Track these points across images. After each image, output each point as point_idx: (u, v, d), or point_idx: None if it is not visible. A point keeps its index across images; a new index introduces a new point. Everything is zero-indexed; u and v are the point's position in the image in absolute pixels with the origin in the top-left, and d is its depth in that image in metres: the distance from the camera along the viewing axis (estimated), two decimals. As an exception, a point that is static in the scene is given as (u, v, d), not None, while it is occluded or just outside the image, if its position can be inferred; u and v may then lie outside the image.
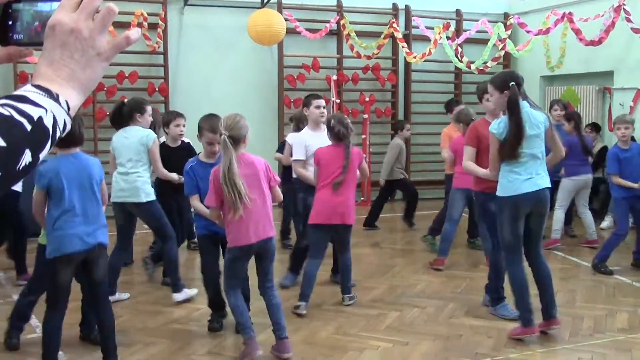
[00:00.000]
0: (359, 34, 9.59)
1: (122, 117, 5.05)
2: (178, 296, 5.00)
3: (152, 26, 8.58)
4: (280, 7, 9.19)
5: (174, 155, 5.37)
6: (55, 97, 0.85)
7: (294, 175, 5.56)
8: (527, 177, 4.15)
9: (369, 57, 9.57)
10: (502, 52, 9.10)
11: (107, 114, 8.46)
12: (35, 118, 0.82)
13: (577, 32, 8.30)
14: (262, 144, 9.44)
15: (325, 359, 3.99)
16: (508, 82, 4.16)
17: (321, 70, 9.62)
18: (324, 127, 5.25)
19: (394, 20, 9.75)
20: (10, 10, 0.94)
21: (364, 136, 9.79)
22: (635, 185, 5.86)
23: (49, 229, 3.62)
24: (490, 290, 4.86)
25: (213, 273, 4.41)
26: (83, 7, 0.89)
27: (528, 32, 8.83)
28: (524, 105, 4.16)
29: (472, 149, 4.63)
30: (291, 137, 6.33)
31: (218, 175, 3.75)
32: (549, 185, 4.24)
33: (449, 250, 6.15)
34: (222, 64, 9.33)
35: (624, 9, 8.10)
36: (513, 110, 4.11)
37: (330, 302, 5.10)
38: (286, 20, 8.58)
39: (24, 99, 0.83)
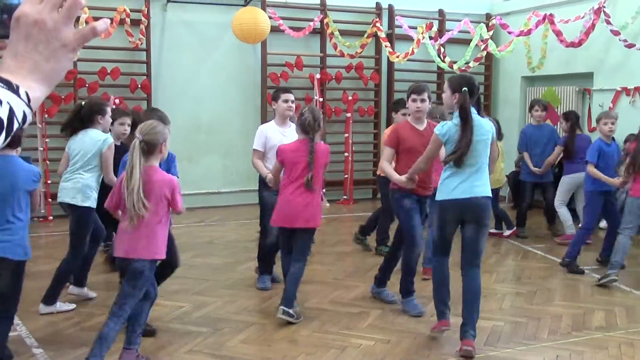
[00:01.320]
0: (343, 33, 9.62)
1: (82, 119, 4.83)
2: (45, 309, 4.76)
3: (135, 22, 8.53)
4: (264, 5, 9.18)
5: (117, 154, 4.99)
6: (14, 89, 0.85)
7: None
8: (460, 182, 4.06)
9: (352, 56, 9.60)
10: (484, 53, 9.19)
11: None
12: None
13: (558, 33, 8.40)
14: (244, 142, 9.44)
15: (308, 357, 4.00)
16: (462, 86, 4.07)
17: (304, 69, 9.62)
18: (291, 124, 5.20)
19: (378, 19, 9.79)
20: None
21: (346, 135, 9.83)
22: (616, 182, 5.87)
23: None
24: (402, 284, 4.93)
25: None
26: None
27: (510, 33, 8.91)
28: (471, 112, 4.07)
29: (391, 150, 4.69)
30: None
31: (122, 179, 3.59)
32: (487, 194, 4.11)
33: None
34: (205, 61, 9.30)
35: (603, 11, 8.21)
36: (463, 116, 4.04)
37: (313, 300, 5.11)
38: (270, 18, 8.58)
39: None
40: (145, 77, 8.86)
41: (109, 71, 8.52)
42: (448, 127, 4.10)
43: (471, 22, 9.47)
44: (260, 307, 4.96)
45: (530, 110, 7.80)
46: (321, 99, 9.60)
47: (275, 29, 8.90)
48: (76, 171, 4.77)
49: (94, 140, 4.78)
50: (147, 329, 4.18)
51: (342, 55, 9.55)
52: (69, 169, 4.83)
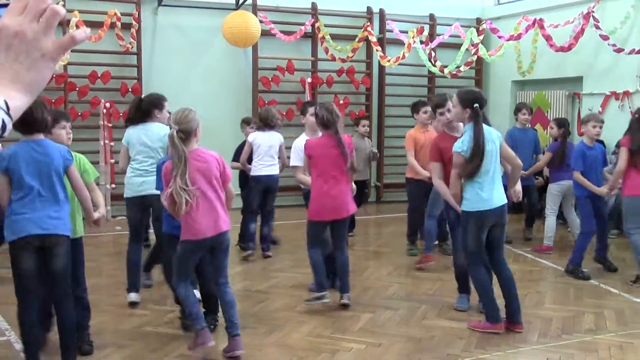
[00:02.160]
0: (334, 37, 9.64)
1: (141, 113, 5.01)
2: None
3: (126, 26, 8.52)
4: (255, 9, 9.19)
5: None
6: None
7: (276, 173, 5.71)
8: (489, 192, 4.39)
9: (343, 60, 9.62)
10: (475, 57, 9.24)
11: (80, 114, 8.40)
12: None
13: (548, 38, 8.46)
14: (236, 146, 9.42)
15: (299, 360, 4.00)
16: (473, 102, 4.35)
17: (296, 73, 9.64)
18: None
19: (369, 23, 9.82)
20: None
21: (338, 139, 9.83)
22: (602, 191, 5.89)
23: (8, 213, 3.54)
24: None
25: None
26: (28, 10, 0.91)
27: (500, 37, 8.96)
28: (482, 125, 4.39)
29: (438, 164, 4.80)
30: (252, 137, 6.43)
31: (168, 170, 3.76)
32: (506, 200, 4.53)
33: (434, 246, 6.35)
34: (196, 65, 9.30)
35: (593, 16, 8.28)
36: (478, 131, 4.33)
37: (304, 304, 5.11)
38: (261, 22, 8.59)
39: None
40: (136, 80, 8.84)
41: (99, 75, 8.50)
42: (467, 143, 4.34)
43: (462, 26, 9.53)
44: (252, 312, 4.96)
45: (516, 114, 7.71)
46: (330, 103, 9.60)
47: (266, 33, 8.91)
48: (146, 167, 4.93)
49: (157, 134, 4.96)
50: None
51: (334, 59, 9.57)
52: (134, 165, 4.93)
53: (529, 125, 7.82)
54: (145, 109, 4.98)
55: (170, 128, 3.75)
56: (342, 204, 4.86)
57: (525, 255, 6.89)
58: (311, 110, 5.46)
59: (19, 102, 0.91)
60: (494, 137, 4.43)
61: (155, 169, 4.71)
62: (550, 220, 6.91)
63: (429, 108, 6.36)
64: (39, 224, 3.49)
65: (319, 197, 4.85)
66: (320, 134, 5.23)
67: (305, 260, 6.35)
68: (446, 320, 4.77)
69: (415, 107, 6.71)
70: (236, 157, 6.91)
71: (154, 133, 4.95)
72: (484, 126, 4.39)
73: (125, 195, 5.07)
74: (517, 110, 7.71)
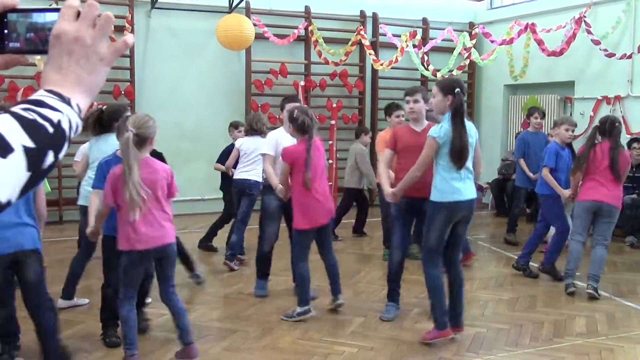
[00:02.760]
0: (327, 41, 9.65)
1: (102, 125, 4.91)
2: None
3: (119, 29, 8.49)
4: (248, 12, 9.19)
5: None
6: (67, 101, 0.91)
7: (253, 179, 5.55)
8: (463, 185, 4.22)
9: (336, 64, 9.64)
10: (467, 61, 9.27)
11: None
12: (56, 121, 0.88)
13: (540, 42, 8.50)
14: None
15: (290, 364, 4.00)
16: (454, 88, 4.17)
17: (289, 76, 9.64)
18: None
19: (362, 27, 9.84)
20: (5, 20, 0.99)
21: (330, 142, 9.83)
22: (565, 194, 5.93)
23: None
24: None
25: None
26: (84, 16, 0.96)
27: (492, 41, 9.00)
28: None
29: (389, 152, 4.75)
30: (239, 142, 6.43)
31: (117, 174, 3.66)
32: (476, 196, 4.39)
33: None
34: (189, 68, 9.29)
35: (584, 20, 8.33)
36: (460, 117, 4.16)
37: (296, 307, 5.10)
38: (254, 25, 8.59)
39: (42, 104, 0.88)
40: (129, 83, 8.82)
41: (92, 77, 8.47)
42: (445, 129, 4.16)
43: (454, 30, 9.56)
44: (244, 315, 4.95)
45: (528, 117, 7.69)
46: (305, 106, 9.61)
47: (259, 36, 8.91)
48: None
49: (116, 146, 4.80)
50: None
51: (327, 62, 9.58)
52: (90, 174, 4.87)
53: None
54: (107, 119, 4.80)
55: (127, 131, 3.60)
56: (329, 207, 4.85)
57: (515, 258, 6.90)
58: (288, 106, 5.28)
59: (83, 106, 0.95)
60: (472, 132, 4.28)
61: None
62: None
63: (402, 112, 6.32)
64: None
65: (306, 204, 4.74)
66: None
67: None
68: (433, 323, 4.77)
69: (389, 111, 6.70)
70: (221, 159, 6.90)
71: (115, 145, 4.84)
72: (465, 120, 4.24)
73: (78, 203, 5.01)
74: (530, 114, 7.68)
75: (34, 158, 0.84)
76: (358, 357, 4.14)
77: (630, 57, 8.17)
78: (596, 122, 6.10)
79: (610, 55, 8.27)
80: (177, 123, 9.19)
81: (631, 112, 8.49)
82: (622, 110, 8.40)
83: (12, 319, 3.82)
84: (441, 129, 4.17)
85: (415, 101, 4.79)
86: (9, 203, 0.82)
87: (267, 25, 9.27)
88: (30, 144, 0.83)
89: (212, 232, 7.06)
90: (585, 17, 8.38)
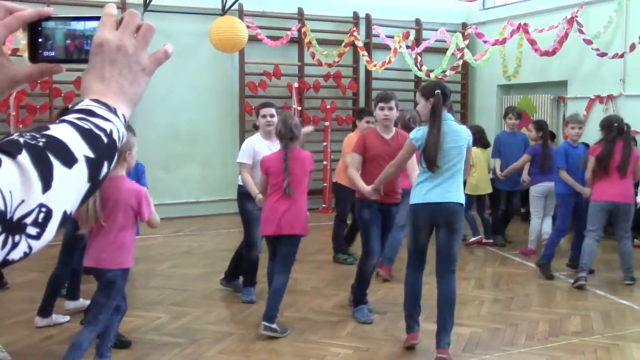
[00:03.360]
0: (320, 42, 9.65)
1: None
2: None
3: (111, 32, 8.48)
4: (241, 14, 9.19)
5: None
6: (114, 111, 0.89)
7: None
8: (433, 187, 4.05)
9: (330, 65, 9.64)
10: (461, 62, 9.29)
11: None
12: (109, 131, 0.86)
13: (532, 42, 8.52)
14: (223, 151, 9.43)
15: (286, 366, 3.99)
16: (434, 90, 4.10)
17: (282, 78, 9.64)
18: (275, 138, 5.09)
19: (355, 28, 9.84)
20: (40, 28, 0.97)
21: (325, 143, 9.84)
22: (586, 192, 6.02)
23: None
24: (354, 294, 5.02)
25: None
26: (125, 25, 0.94)
27: (485, 42, 9.03)
28: (447, 117, 4.10)
29: (359, 157, 4.73)
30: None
31: None
32: (459, 201, 4.09)
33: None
34: (182, 70, 9.26)
35: (576, 20, 8.36)
36: (435, 118, 4.04)
37: (292, 309, 5.10)
38: (247, 27, 8.59)
39: (93, 114, 0.86)
40: (122, 86, 8.79)
41: (85, 81, 8.44)
42: (423, 131, 4.09)
43: (447, 31, 9.58)
44: (239, 318, 4.93)
45: (504, 118, 7.86)
46: (299, 108, 9.61)
47: (253, 38, 8.91)
48: None
49: None
50: (121, 340, 4.14)
51: (320, 64, 9.58)
52: None
53: (523, 129, 7.86)
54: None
55: None
56: (289, 220, 4.50)
57: (512, 259, 6.92)
58: (262, 112, 5.23)
59: (127, 116, 0.93)
60: (461, 135, 4.11)
61: None
62: (535, 223, 6.96)
63: (372, 119, 6.19)
64: None
65: (265, 209, 4.58)
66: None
67: (294, 265, 6.34)
68: (434, 324, 4.73)
69: (360, 115, 6.69)
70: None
71: None
72: (451, 123, 4.11)
73: None
74: (505, 114, 7.85)
75: (93, 169, 0.82)
76: (353, 358, 4.13)
77: (622, 56, 8.20)
78: (590, 122, 6.18)
79: (603, 54, 8.30)
80: (171, 125, 9.17)
81: (624, 111, 8.50)
82: (614, 110, 8.43)
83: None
84: (419, 131, 4.12)
85: (390, 108, 4.75)
86: (71, 214, 0.80)
87: (260, 27, 9.27)
88: (90, 154, 0.81)
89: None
90: (577, 16, 8.41)
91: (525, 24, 8.67)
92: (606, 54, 8.28)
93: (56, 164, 0.77)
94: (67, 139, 0.80)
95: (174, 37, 9.20)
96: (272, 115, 5.18)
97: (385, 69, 9.47)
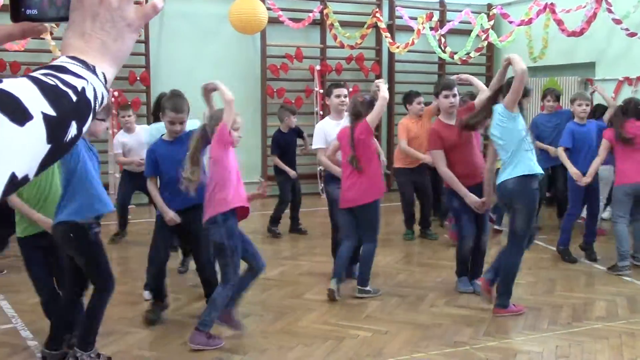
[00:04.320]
0: (343, 24, 9.55)
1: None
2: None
3: (133, 14, 8.48)
4: (263, -4, 9.11)
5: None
6: (92, 69, 0.82)
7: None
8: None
9: (352, 47, 9.54)
10: (485, 43, 9.13)
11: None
12: (80, 89, 0.78)
13: (559, 22, 8.33)
14: (245, 134, 9.33)
15: (304, 347, 3.97)
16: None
17: (304, 60, 9.57)
18: (346, 115, 5.26)
19: (378, 10, 9.72)
20: None
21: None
22: (581, 181, 5.78)
23: None
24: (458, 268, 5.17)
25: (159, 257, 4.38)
26: None
27: (510, 22, 8.84)
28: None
29: (441, 152, 4.83)
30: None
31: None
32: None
33: None
34: (204, 53, 9.25)
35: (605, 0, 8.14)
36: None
37: (312, 291, 5.08)
38: (269, 9, 8.52)
39: (64, 70, 0.79)
40: (144, 69, 8.82)
41: (107, 63, 8.47)
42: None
43: (472, 12, 9.40)
44: (259, 299, 4.93)
45: (542, 100, 7.48)
46: (321, 91, 9.54)
47: (274, 20, 8.84)
48: None
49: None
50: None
51: (342, 46, 9.49)
52: None
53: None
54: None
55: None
56: (355, 191, 4.87)
57: (537, 243, 6.79)
58: (335, 92, 5.41)
59: (109, 75, 0.86)
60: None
61: None
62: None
63: (422, 99, 6.65)
64: None
65: (343, 186, 4.85)
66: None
67: (315, 248, 6.34)
68: (454, 308, 4.72)
69: (409, 98, 6.76)
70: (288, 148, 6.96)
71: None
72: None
73: None
74: (543, 96, 7.44)
75: (55, 128, 0.73)
76: (372, 340, 4.10)
77: (653, 36, 7.98)
78: (619, 103, 5.98)
79: (632, 34, 8.08)
80: (192, 108, 9.14)
81: (654, 93, 8.30)
82: (644, 91, 8.22)
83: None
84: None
85: (454, 95, 4.96)
86: (26, 178, 0.71)
87: (282, 9, 9.19)
88: (51, 112, 0.72)
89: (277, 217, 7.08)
90: (606, -5, 8.19)
91: (551, 4, 8.46)
92: (636, 34, 8.05)
93: (2, 120, 0.68)
94: (20, 94, 0.71)
95: (195, 19, 9.19)
96: (345, 96, 5.42)
97: (408, 51, 9.34)
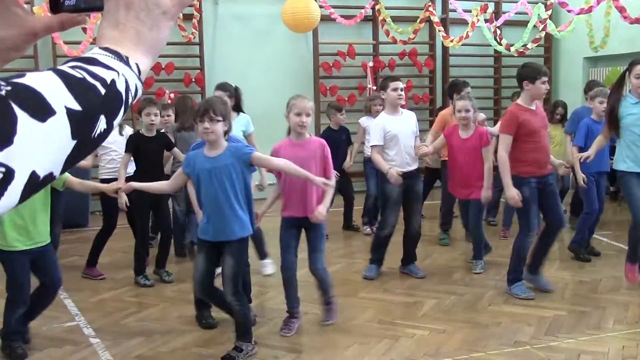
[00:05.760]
0: (395, 19, 9.45)
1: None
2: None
3: (187, 17, 8.61)
4: (314, -6, 9.11)
5: (150, 145, 5.34)
6: (125, 60, 0.79)
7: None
8: None
9: (405, 43, 9.42)
10: (543, 34, 8.85)
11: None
12: (109, 81, 0.74)
13: (622, 10, 8.00)
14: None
15: (360, 346, 3.94)
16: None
17: (357, 57, 9.52)
18: (402, 110, 5.23)
19: (431, 3, 9.56)
20: None
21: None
22: (580, 181, 5.63)
23: None
24: (509, 271, 4.93)
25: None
26: None
27: (569, 11, 8.53)
28: None
29: (510, 137, 4.65)
30: (365, 120, 6.59)
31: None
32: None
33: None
34: (257, 53, 9.32)
35: (671, -16, 7.78)
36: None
37: (367, 289, 5.04)
38: (321, 7, 8.50)
39: (94, 61, 0.76)
40: (199, 70, 8.95)
41: (163, 66, 8.64)
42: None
43: (528, 2, 9.13)
44: (315, 297, 4.91)
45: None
46: (375, 88, 9.46)
47: (326, 18, 8.82)
48: None
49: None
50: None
51: (395, 42, 9.38)
52: None
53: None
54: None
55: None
56: None
57: (600, 239, 6.57)
58: (392, 85, 5.28)
59: (145, 65, 0.83)
60: None
61: None
62: None
63: (470, 90, 6.38)
64: None
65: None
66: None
67: (369, 245, 6.27)
68: (514, 306, 4.60)
69: (456, 88, 6.44)
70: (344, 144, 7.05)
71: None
72: None
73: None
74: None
75: (80, 123, 0.69)
76: (429, 340, 4.03)
77: None
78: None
79: (701, 20, 7.69)
80: (246, 108, 9.22)
81: None
82: None
83: None
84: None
85: (548, 82, 4.88)
86: (51, 176, 0.68)
87: (334, 6, 9.16)
88: (75, 106, 0.69)
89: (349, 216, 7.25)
90: (672, -20, 7.83)
91: (613, -9, 8.14)
92: None
93: (22, 116, 0.64)
94: (43, 88, 0.68)
95: (247, 20, 9.27)
96: (402, 89, 5.32)
97: (462, 45, 9.14)
